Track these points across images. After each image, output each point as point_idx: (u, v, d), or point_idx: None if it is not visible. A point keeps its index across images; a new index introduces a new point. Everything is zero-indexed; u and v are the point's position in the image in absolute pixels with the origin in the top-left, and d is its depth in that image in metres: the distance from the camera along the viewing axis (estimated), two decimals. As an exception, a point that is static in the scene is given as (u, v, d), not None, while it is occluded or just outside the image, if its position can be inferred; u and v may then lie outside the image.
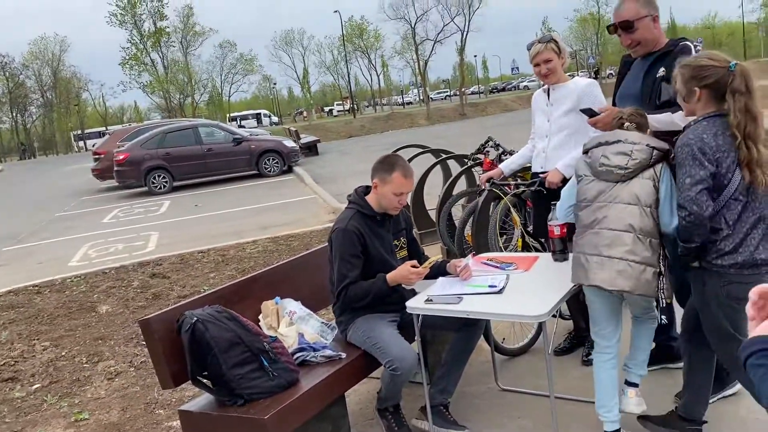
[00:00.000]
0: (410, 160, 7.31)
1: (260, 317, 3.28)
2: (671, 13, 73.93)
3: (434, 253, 5.87)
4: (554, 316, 4.03)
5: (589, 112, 3.24)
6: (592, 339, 3.69)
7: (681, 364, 3.40)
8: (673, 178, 2.60)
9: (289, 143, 18.40)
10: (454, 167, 7.26)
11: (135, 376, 4.46)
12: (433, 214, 6.63)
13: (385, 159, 3.14)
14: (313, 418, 2.81)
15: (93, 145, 29.13)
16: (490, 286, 2.88)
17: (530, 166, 3.91)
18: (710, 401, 3.06)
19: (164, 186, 16.43)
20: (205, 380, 2.83)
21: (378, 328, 3.04)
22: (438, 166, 7.28)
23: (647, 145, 2.60)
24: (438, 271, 3.18)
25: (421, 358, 3.00)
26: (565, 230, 3.15)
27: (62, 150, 69.77)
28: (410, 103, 71.81)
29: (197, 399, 2.93)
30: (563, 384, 3.46)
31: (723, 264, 2.43)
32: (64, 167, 32.98)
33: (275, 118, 66.15)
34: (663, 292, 2.61)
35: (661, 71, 3.06)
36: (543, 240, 4.02)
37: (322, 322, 3.31)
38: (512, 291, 2.85)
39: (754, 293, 1.24)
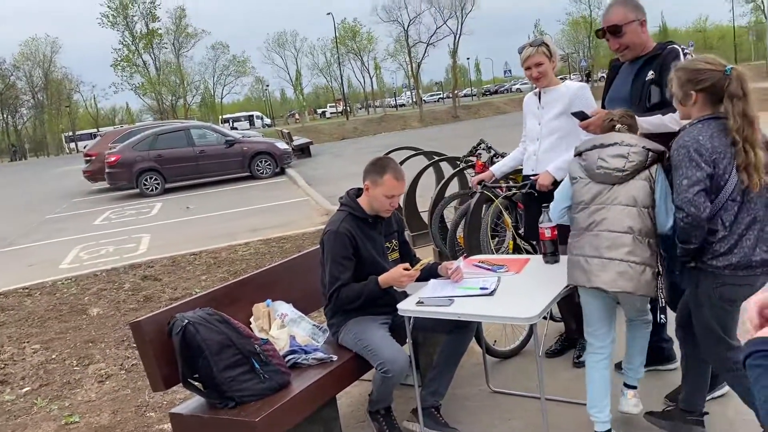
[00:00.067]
0: (403, 162, 7.33)
1: (252, 320, 3.27)
2: (663, 17, 74.49)
3: (426, 255, 5.87)
4: (545, 318, 4.05)
5: (581, 115, 3.26)
6: (582, 341, 3.74)
7: (672, 366, 3.45)
8: (667, 179, 2.64)
9: (282, 145, 18.38)
10: (447, 169, 7.28)
11: (126, 378, 4.44)
12: (425, 216, 6.64)
13: (377, 161, 3.14)
14: (305, 420, 2.80)
15: (84, 147, 28.98)
16: (481, 288, 2.89)
17: (522, 169, 3.93)
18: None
19: (156, 188, 16.39)
20: (196, 383, 2.82)
21: (369, 330, 3.04)
22: (430, 169, 7.31)
23: (643, 147, 2.63)
24: (429, 274, 3.18)
25: (413, 361, 3.00)
26: (555, 232, 3.17)
27: (53, 152, 69.39)
28: (403, 105, 71.88)
29: (188, 402, 2.92)
30: (554, 386, 3.47)
31: (718, 265, 2.45)
32: (55, 169, 32.83)
33: (267, 120, 66.05)
34: (662, 292, 2.65)
35: (650, 74, 3.09)
36: (534, 242, 4.03)
37: (314, 325, 3.31)
38: (503, 293, 2.85)
39: (753, 311, 1.24)
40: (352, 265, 3.07)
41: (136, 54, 53.40)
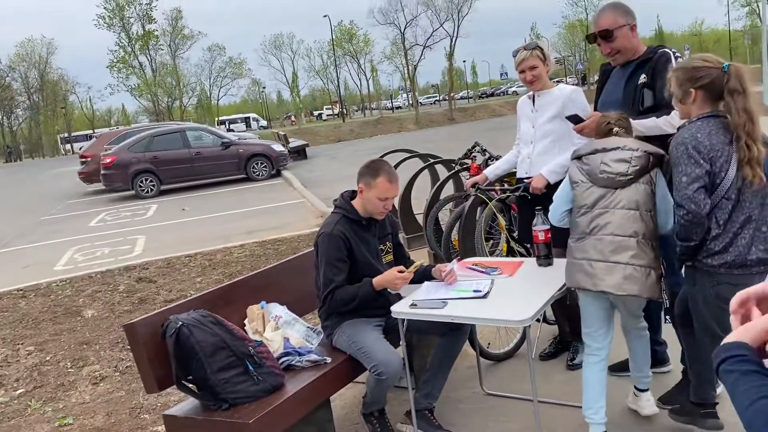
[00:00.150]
0: (398, 164, 7.34)
1: (246, 321, 3.28)
2: (658, 21, 74.69)
3: (422, 257, 5.89)
4: (538, 320, 4.06)
5: (575, 119, 3.28)
6: (576, 344, 3.75)
7: (666, 369, 3.47)
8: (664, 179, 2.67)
9: (278, 147, 18.37)
10: (442, 172, 7.29)
11: (120, 380, 4.44)
12: (420, 219, 6.65)
13: (371, 164, 3.15)
14: (299, 422, 2.81)
15: (80, 148, 28.96)
16: (474, 291, 2.90)
17: (516, 172, 3.94)
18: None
19: (151, 190, 16.35)
20: (190, 385, 2.82)
21: (363, 332, 3.05)
22: (426, 171, 7.32)
23: (645, 151, 2.66)
24: (423, 276, 3.19)
25: (406, 363, 3.01)
26: (549, 235, 3.18)
27: (49, 153, 69.25)
28: (400, 107, 71.94)
29: (182, 404, 2.93)
30: (548, 388, 3.49)
31: (713, 264, 2.46)
32: (50, 170, 32.74)
33: (263, 122, 66.00)
34: (665, 293, 2.70)
35: (643, 78, 3.12)
36: (528, 245, 4.05)
37: (308, 327, 3.32)
38: (497, 296, 2.87)
39: (734, 304, 1.25)
40: (347, 267, 3.08)
41: (132, 55, 53.38)
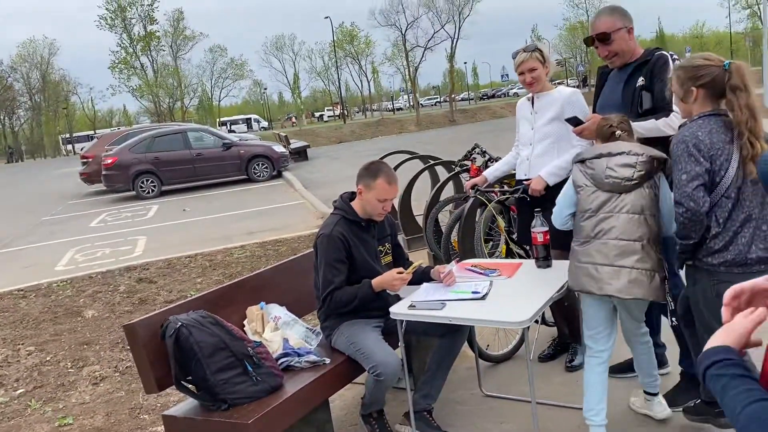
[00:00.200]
0: (398, 166, 7.35)
1: (245, 322, 3.29)
2: (659, 23, 74.73)
3: (421, 258, 5.90)
4: (536, 322, 4.07)
5: (574, 121, 3.29)
6: (575, 345, 3.76)
7: (664, 371, 3.47)
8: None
9: (279, 148, 18.37)
10: (442, 173, 7.30)
11: (120, 381, 4.45)
12: (420, 220, 6.66)
13: (370, 166, 3.16)
14: (297, 422, 2.81)
15: (81, 149, 28.96)
16: (473, 293, 2.91)
17: (515, 173, 3.95)
18: (690, 406, 3.11)
19: (152, 190, 16.37)
20: (189, 385, 2.83)
21: (362, 333, 3.06)
22: (426, 173, 7.33)
23: (650, 156, 2.68)
24: (422, 277, 3.20)
25: (405, 364, 3.02)
26: (548, 237, 3.19)
27: (50, 153, 69.32)
28: (400, 109, 72.01)
29: (181, 404, 2.93)
30: (547, 390, 3.49)
31: (713, 262, 2.47)
32: (52, 171, 32.77)
33: (264, 123, 66.05)
34: (669, 295, 2.72)
35: (641, 81, 3.13)
36: (527, 247, 4.05)
37: (307, 328, 3.33)
38: (495, 297, 2.87)
39: (728, 296, 1.25)
40: (346, 268, 3.09)
41: (133, 56, 53.47)
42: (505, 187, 4.38)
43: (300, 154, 23.36)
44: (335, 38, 60.46)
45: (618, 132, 2.80)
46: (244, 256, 7.75)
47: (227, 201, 14.08)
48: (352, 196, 3.23)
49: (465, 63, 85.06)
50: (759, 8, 57.65)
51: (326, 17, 56.17)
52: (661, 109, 3.10)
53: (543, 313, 4.09)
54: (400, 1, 54.54)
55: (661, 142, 3.00)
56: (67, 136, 65.05)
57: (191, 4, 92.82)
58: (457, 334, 3.18)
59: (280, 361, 3.01)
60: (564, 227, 2.96)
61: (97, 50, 66.31)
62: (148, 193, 16.29)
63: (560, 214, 2.92)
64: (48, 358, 5.01)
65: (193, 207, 13.65)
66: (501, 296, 2.88)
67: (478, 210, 4.93)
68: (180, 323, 2.74)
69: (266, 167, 17.32)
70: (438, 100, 76.90)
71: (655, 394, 3.05)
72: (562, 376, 3.68)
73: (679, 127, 2.59)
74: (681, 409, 3.07)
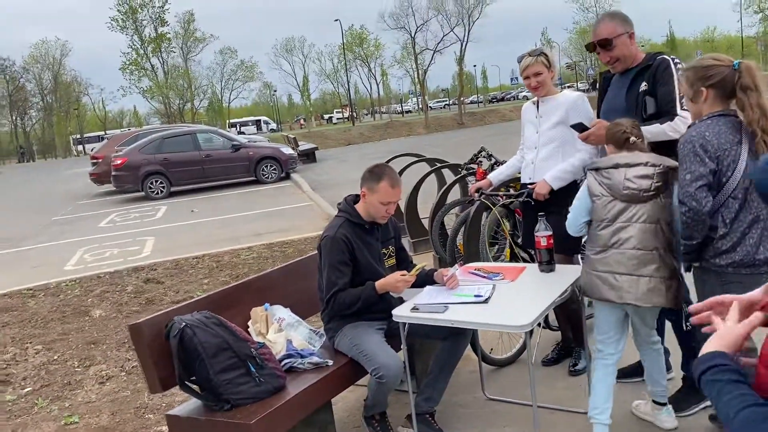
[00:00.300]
0: (405, 168, 7.38)
1: (249, 323, 3.31)
2: (670, 27, 74.42)
3: (427, 261, 5.91)
4: (539, 325, 4.07)
5: (579, 127, 3.30)
6: (578, 350, 3.76)
7: (669, 376, 3.47)
8: None
9: (287, 150, 18.44)
10: (449, 176, 7.32)
11: (126, 380, 4.48)
12: (426, 223, 6.67)
13: (374, 169, 3.18)
14: (300, 423, 2.83)
15: (92, 150, 29.17)
16: (476, 296, 2.92)
17: (521, 177, 3.96)
18: (692, 411, 3.11)
19: (161, 191, 16.45)
20: (193, 385, 2.86)
21: (365, 335, 3.08)
22: (433, 175, 7.34)
23: (666, 166, 2.70)
24: (426, 280, 3.21)
25: (407, 367, 3.03)
26: (551, 241, 3.19)
27: (61, 154, 69.82)
28: (409, 111, 72.02)
29: (185, 404, 2.96)
30: (550, 394, 3.50)
31: (721, 263, 2.48)
32: (62, 171, 33.00)
33: (273, 125, 66.27)
34: (684, 301, 2.77)
35: (644, 86, 3.14)
36: (532, 251, 4.05)
37: (311, 329, 3.35)
38: (498, 301, 2.88)
39: (711, 301, 1.27)
40: (349, 270, 3.11)
41: (144, 58, 53.83)
42: (511, 191, 4.39)
43: (308, 156, 23.43)
44: (345, 41, 60.63)
45: (632, 138, 2.82)
46: (251, 257, 7.79)
47: (235, 202, 14.14)
48: (356, 198, 3.25)
49: (474, 66, 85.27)
50: (771, 12, 57.37)
51: (336, 20, 56.29)
52: (665, 113, 3.11)
53: (547, 318, 4.09)
54: (410, 4, 54.77)
55: (666, 146, 3.01)
56: (78, 136, 65.53)
57: (202, 6, 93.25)
58: (459, 337, 3.19)
59: (283, 363, 3.03)
60: (579, 234, 2.99)
61: (109, 52, 66.82)
62: (157, 193, 16.38)
63: (576, 221, 2.93)
64: (55, 357, 5.05)
65: (201, 208, 13.72)
66: (503, 300, 2.89)
67: (484, 213, 4.93)
68: (184, 324, 2.77)
69: (275, 169, 17.38)
70: (447, 102, 76.90)
71: (664, 404, 3.05)
72: (565, 381, 3.68)
73: (689, 126, 2.60)
74: (684, 413, 3.07)
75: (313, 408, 2.90)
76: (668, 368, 3.51)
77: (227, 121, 64.01)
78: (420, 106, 60.26)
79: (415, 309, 2.89)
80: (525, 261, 4.04)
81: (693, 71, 2.52)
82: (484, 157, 5.94)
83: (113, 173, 16.51)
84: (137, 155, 16.43)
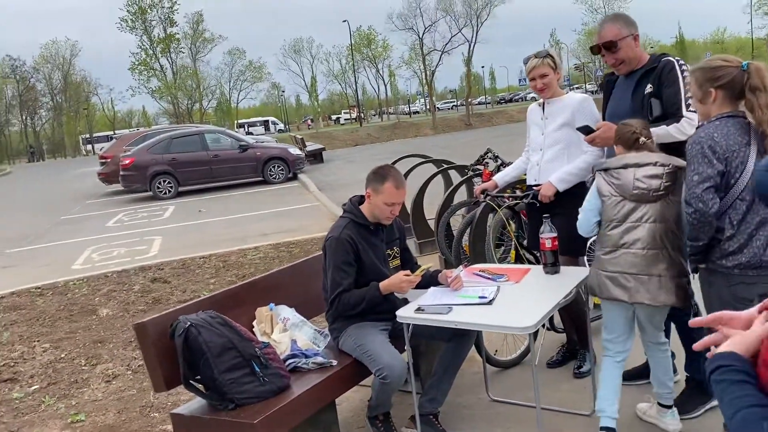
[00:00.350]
0: (411, 169, 7.39)
1: (254, 323, 3.32)
2: (680, 28, 74.07)
3: (432, 262, 5.91)
4: (546, 328, 4.06)
5: (585, 130, 3.30)
6: (583, 352, 3.76)
7: (675, 378, 3.46)
8: None
9: (295, 151, 18.47)
10: (456, 177, 7.31)
11: (132, 379, 4.51)
12: (432, 224, 6.67)
13: (378, 170, 3.19)
14: (304, 423, 2.84)
15: (101, 149, 29.30)
16: (480, 297, 2.92)
17: (526, 178, 3.95)
18: (698, 413, 3.10)
19: (169, 191, 16.52)
20: (198, 384, 2.87)
21: (369, 336, 3.08)
22: (439, 177, 7.34)
23: (675, 166, 2.72)
24: (430, 281, 3.22)
25: (410, 367, 3.03)
26: (556, 243, 3.19)
27: (71, 153, 70.21)
28: (417, 112, 72.03)
29: (190, 403, 2.97)
30: (554, 396, 3.49)
31: (727, 265, 2.47)
32: (72, 170, 33.19)
33: (281, 125, 66.43)
34: (693, 300, 2.80)
35: (649, 88, 3.14)
36: (537, 253, 4.05)
37: (315, 330, 3.36)
38: (501, 302, 2.88)
39: (710, 318, 1.27)
40: (354, 271, 3.11)
41: (153, 58, 54.06)
42: (518, 192, 4.38)
43: (315, 157, 23.47)
44: (353, 41, 60.67)
45: (642, 138, 2.82)
46: (258, 258, 7.81)
47: (243, 202, 14.18)
48: (361, 199, 3.26)
49: (482, 67, 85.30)
50: (781, 14, 57.03)
51: (344, 21, 56.36)
52: (671, 115, 3.11)
53: (552, 320, 4.08)
54: (418, 5, 54.69)
55: (673, 147, 3.00)
56: (87, 136, 65.88)
57: (211, 6, 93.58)
58: (463, 338, 3.19)
59: (287, 362, 3.04)
60: (590, 235, 3.00)
61: (118, 52, 67.15)
62: (165, 193, 16.44)
63: (587, 222, 2.94)
64: (63, 356, 5.08)
65: (208, 208, 13.77)
66: (508, 301, 2.89)
67: (490, 215, 4.93)
68: (189, 323, 2.78)
69: (282, 169, 17.42)
70: (455, 103, 76.86)
71: (669, 407, 3.05)
72: (570, 383, 3.67)
73: (697, 127, 2.59)
74: (690, 415, 3.06)
75: (317, 408, 2.91)
76: (674, 371, 3.50)
77: (235, 122, 64.19)
78: (427, 107, 60.19)
79: (419, 310, 2.89)
80: (530, 263, 4.03)
81: (702, 72, 2.51)
82: (490, 158, 5.94)
83: (121, 173, 16.58)
84: (145, 155, 16.50)
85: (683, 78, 3.08)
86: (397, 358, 2.96)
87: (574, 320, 3.80)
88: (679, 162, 2.72)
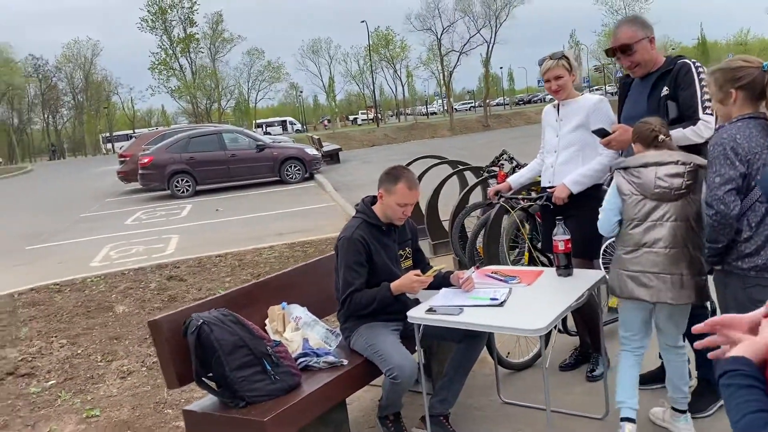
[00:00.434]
0: (427, 170, 7.38)
1: (267, 321, 3.34)
2: (702, 29, 73.26)
3: (446, 264, 5.90)
4: (559, 331, 4.04)
5: (601, 133, 3.28)
6: (596, 355, 3.73)
7: (690, 383, 3.43)
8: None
9: (312, 151, 18.55)
10: (472, 179, 7.30)
11: (146, 375, 4.55)
12: (447, 225, 6.66)
13: (391, 170, 3.19)
14: (315, 422, 2.85)
15: (120, 148, 29.63)
16: (491, 299, 2.91)
17: (540, 180, 3.94)
18: (711, 411, 3.08)
19: (187, 190, 16.66)
20: (210, 382, 2.90)
21: (380, 336, 3.09)
22: (455, 178, 7.33)
23: (696, 164, 2.71)
24: (442, 282, 3.22)
25: (421, 368, 3.04)
26: (569, 245, 3.17)
27: (91, 152, 71.04)
28: (434, 113, 71.93)
29: (202, 400, 3.00)
30: (567, 399, 3.47)
31: (743, 267, 2.45)
32: (92, 169, 33.58)
33: (299, 125, 66.70)
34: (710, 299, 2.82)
35: (665, 90, 3.12)
36: (551, 255, 4.03)
37: (327, 329, 3.37)
38: (513, 304, 2.87)
39: (710, 322, 1.26)
40: (365, 271, 3.12)
41: (173, 58, 54.51)
42: (533, 194, 4.36)
43: (332, 157, 23.54)
44: (371, 42, 60.73)
45: (661, 136, 2.81)
46: (273, 257, 7.85)
47: (259, 202, 14.26)
48: (373, 200, 3.27)
49: (501, 68, 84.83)
50: (806, 15, 56.14)
51: (362, 21, 56.40)
52: (687, 118, 3.09)
53: (566, 323, 4.06)
54: (437, 6, 54.58)
55: (689, 149, 2.98)
56: (108, 135, 66.63)
57: (230, 6, 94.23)
58: (475, 340, 3.19)
59: (298, 361, 3.05)
60: (611, 234, 2.99)
61: (138, 52, 67.85)
62: (183, 192, 16.58)
63: (609, 221, 2.93)
64: (79, 351, 5.15)
65: (225, 207, 13.86)
66: (519, 303, 2.88)
67: (504, 217, 4.92)
68: (201, 320, 2.81)
69: (298, 169, 17.49)
70: (472, 104, 76.64)
71: (683, 412, 3.02)
72: (582, 386, 3.65)
73: (717, 128, 2.57)
74: (703, 414, 3.06)
75: (328, 407, 2.92)
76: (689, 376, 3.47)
77: (254, 122, 64.56)
78: (445, 108, 60.09)
79: (430, 310, 2.89)
80: (543, 265, 4.02)
81: (722, 73, 2.49)
82: (505, 160, 5.92)
83: (140, 171, 16.75)
84: (164, 154, 16.65)
85: (700, 80, 3.05)
86: (407, 359, 2.97)
87: (587, 323, 3.78)
88: (700, 160, 2.72)
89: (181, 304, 6.04)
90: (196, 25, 54.95)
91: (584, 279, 3.10)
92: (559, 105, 3.65)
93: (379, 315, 3.16)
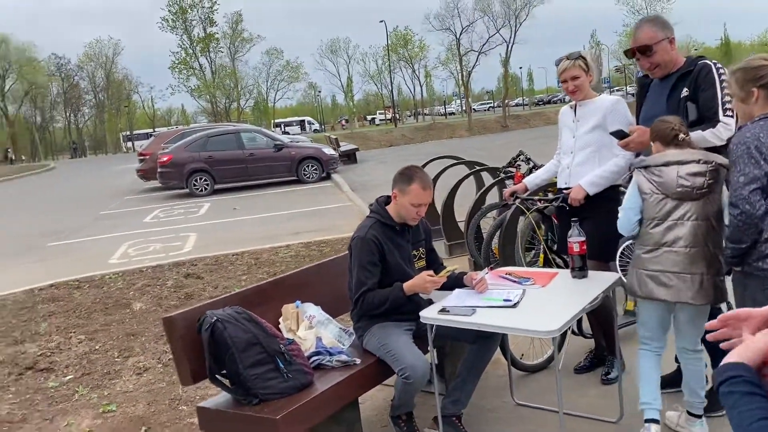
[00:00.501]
0: (443, 171, 7.37)
1: (281, 320, 3.36)
2: (725, 30, 72.26)
3: (461, 264, 5.89)
4: (574, 333, 4.01)
5: (619, 135, 3.25)
6: (611, 358, 3.71)
7: (707, 387, 3.39)
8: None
9: (329, 151, 18.60)
10: (489, 180, 7.27)
11: (162, 372, 4.60)
12: (463, 226, 6.64)
13: (405, 170, 3.19)
14: (327, 420, 2.86)
15: (140, 146, 29.92)
16: (504, 300, 2.90)
17: (557, 181, 3.92)
18: (724, 411, 3.04)
19: (205, 188, 16.78)
20: (223, 379, 2.92)
21: (393, 335, 3.09)
22: (472, 179, 7.31)
23: (718, 164, 2.70)
24: (456, 283, 3.21)
25: (433, 368, 3.03)
26: (585, 247, 3.15)
27: (111, 150, 71.87)
28: (453, 113, 71.75)
29: (216, 397, 3.02)
30: (581, 402, 3.45)
31: (764, 267, 2.43)
32: (112, 167, 33.96)
33: (317, 125, 66.86)
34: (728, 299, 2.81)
35: (685, 91, 3.08)
36: (566, 257, 4.01)
37: (341, 328, 3.38)
38: (526, 306, 2.86)
39: (723, 317, 1.25)
40: (378, 271, 3.13)
41: (193, 57, 54.88)
42: (549, 195, 4.34)
43: (349, 157, 23.58)
44: (389, 42, 60.73)
45: (681, 135, 2.80)
46: (289, 256, 7.88)
47: (276, 201, 14.33)
48: (387, 200, 3.27)
49: (520, 68, 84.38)
50: (832, 16, 55.18)
51: (381, 21, 56.41)
52: (707, 119, 3.05)
53: (581, 325, 4.03)
54: (456, 6, 54.45)
55: (708, 149, 2.95)
56: (128, 133, 67.38)
57: (250, 6, 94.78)
58: (488, 341, 3.18)
59: (311, 360, 3.06)
60: (631, 234, 2.97)
61: (159, 51, 68.52)
62: (201, 191, 16.71)
63: (629, 220, 2.91)
64: (97, 347, 5.21)
65: (243, 206, 13.95)
66: (533, 305, 2.87)
67: (520, 218, 4.90)
68: (215, 318, 2.83)
69: (316, 169, 17.55)
70: (491, 105, 76.35)
71: (699, 416, 2.99)
72: (597, 389, 3.63)
73: (740, 128, 2.54)
74: (719, 413, 3.04)
75: (340, 405, 2.93)
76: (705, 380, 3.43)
77: (272, 121, 64.85)
78: (463, 108, 59.91)
79: (443, 311, 2.89)
80: (559, 267, 4.00)
81: (743, 72, 2.47)
82: (522, 160, 5.89)
83: (159, 170, 16.91)
84: (183, 153, 16.79)
85: (720, 82, 3.01)
86: (420, 359, 2.97)
87: (602, 326, 3.75)
88: (721, 159, 2.70)
89: (198, 302, 6.08)
90: (216, 25, 55.33)
91: (599, 281, 3.08)
92: (576, 106, 3.63)
93: (392, 315, 3.16)
